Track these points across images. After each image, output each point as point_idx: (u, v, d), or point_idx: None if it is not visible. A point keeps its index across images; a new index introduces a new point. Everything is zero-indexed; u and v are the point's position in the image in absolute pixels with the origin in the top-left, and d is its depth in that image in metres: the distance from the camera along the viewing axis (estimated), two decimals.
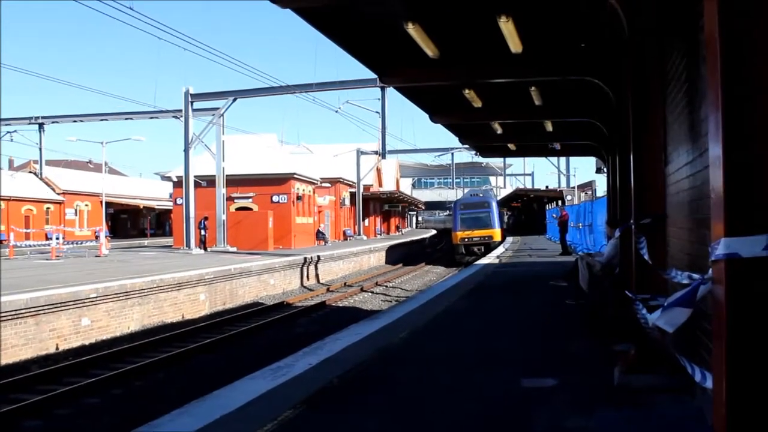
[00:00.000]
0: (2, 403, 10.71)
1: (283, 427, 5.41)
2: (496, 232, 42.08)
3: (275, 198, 42.14)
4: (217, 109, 36.26)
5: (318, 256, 31.74)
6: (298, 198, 43.64)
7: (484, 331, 10.19)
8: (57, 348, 14.62)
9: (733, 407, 2.44)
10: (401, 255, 47.04)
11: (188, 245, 35.31)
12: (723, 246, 2.42)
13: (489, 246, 39.55)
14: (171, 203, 47.50)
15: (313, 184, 47.77)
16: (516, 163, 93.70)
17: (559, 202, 46.34)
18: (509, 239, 46.73)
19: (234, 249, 35.88)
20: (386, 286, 30.29)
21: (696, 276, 3.29)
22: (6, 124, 49.05)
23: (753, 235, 2.36)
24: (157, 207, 72.60)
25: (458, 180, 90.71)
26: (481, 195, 48.43)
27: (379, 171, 67.75)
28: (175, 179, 42.23)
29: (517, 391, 6.45)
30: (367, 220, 61.75)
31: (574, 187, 51.13)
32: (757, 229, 2.36)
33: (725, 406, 2.45)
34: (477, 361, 8.02)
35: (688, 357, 3.56)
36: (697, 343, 4.97)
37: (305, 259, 29.98)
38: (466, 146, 36.32)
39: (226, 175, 36.83)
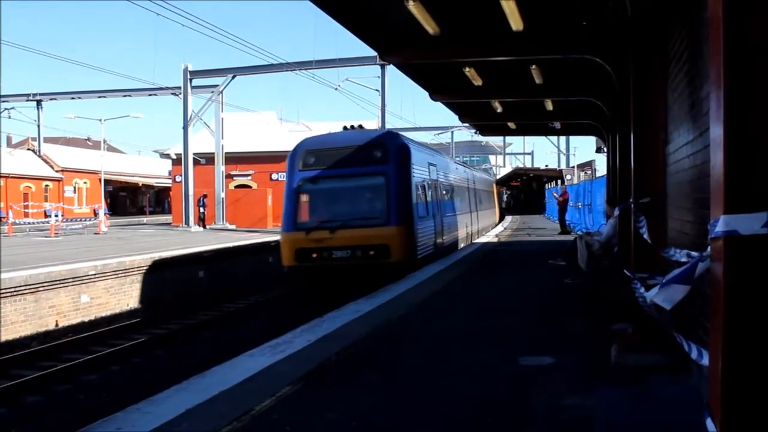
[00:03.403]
0: (2, 378, 10.78)
1: (281, 402, 5.44)
2: (393, 235, 14.80)
3: (275, 176, 42.10)
4: (216, 86, 36.10)
5: None
6: None
7: (482, 309, 10.21)
8: (56, 325, 14.68)
9: (728, 384, 2.45)
10: None
11: (187, 223, 35.34)
12: (722, 223, 2.42)
13: (381, 270, 14.23)
14: (170, 181, 47.48)
15: None
16: (516, 142, 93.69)
17: (559, 182, 46.24)
18: (508, 218, 46.71)
19: (233, 226, 35.91)
20: None
21: (694, 254, 3.30)
22: (4, 101, 48.89)
23: (752, 213, 2.36)
24: (156, 184, 72.56)
25: (458, 158, 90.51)
26: (371, 131, 18.73)
27: None
28: (174, 157, 42.15)
29: (515, 369, 6.48)
30: None
31: (573, 167, 51.03)
32: (757, 206, 2.36)
33: (721, 384, 2.46)
34: (474, 339, 8.05)
35: (685, 336, 3.57)
36: (694, 322, 4.99)
37: None
38: (466, 124, 36.21)
39: (226, 153, 36.76)
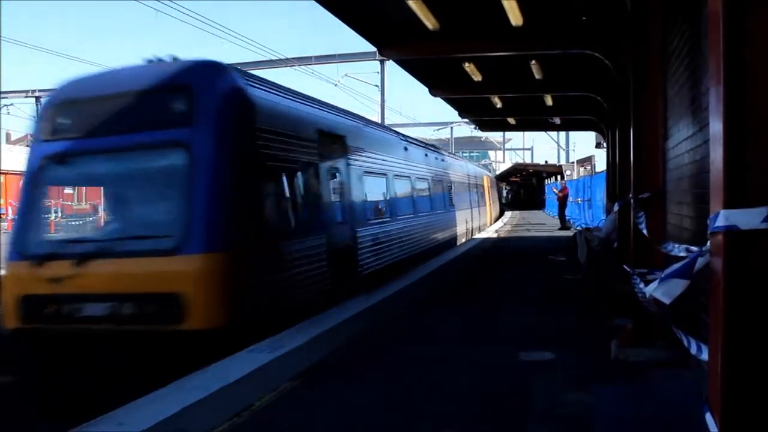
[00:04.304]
0: (5, 374, 10.79)
1: (282, 398, 5.46)
2: (193, 274, 6.67)
3: None
4: None
5: None
6: None
7: (482, 305, 10.22)
8: None
9: (728, 380, 2.45)
10: None
11: None
12: (722, 218, 2.41)
13: (173, 346, 6.62)
14: None
15: None
16: (515, 138, 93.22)
17: (558, 177, 46.22)
18: (508, 214, 46.70)
19: None
20: None
21: (694, 249, 3.29)
22: (3, 98, 48.84)
23: (752, 208, 2.35)
24: None
25: (457, 153, 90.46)
26: (173, 64, 7.91)
27: None
28: None
29: (515, 364, 6.49)
30: None
31: (573, 162, 51.02)
32: (756, 201, 2.35)
33: (720, 379, 2.46)
34: (474, 335, 8.07)
35: (685, 331, 3.57)
36: (694, 318, 4.99)
37: None
38: (466, 120, 36.20)
39: None
